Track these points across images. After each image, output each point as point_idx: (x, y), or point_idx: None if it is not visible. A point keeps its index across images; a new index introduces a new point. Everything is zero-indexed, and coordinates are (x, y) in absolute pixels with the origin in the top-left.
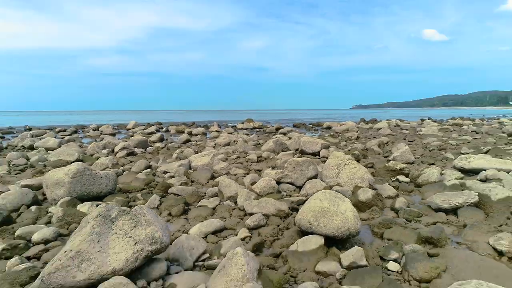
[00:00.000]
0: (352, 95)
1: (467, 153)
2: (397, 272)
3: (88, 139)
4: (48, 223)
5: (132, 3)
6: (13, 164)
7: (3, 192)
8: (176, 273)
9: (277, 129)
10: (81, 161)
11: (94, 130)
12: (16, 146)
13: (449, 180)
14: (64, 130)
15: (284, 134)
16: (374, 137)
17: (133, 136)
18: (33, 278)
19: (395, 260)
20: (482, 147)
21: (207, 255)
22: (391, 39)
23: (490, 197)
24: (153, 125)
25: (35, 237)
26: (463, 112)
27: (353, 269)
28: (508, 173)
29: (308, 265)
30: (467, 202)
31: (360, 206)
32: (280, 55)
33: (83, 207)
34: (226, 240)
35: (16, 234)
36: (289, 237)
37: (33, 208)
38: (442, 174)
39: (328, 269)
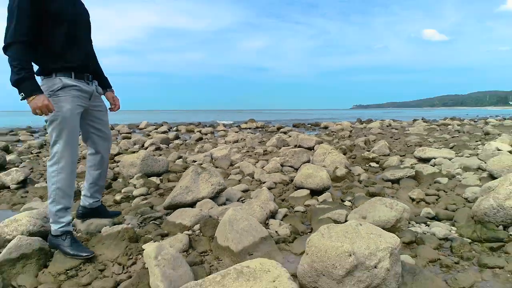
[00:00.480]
0: (352, 95)
1: (438, 148)
2: (349, 206)
3: None
4: (134, 187)
5: (132, 3)
6: None
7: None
8: (230, 203)
9: (278, 128)
10: (121, 153)
11: (111, 129)
12: None
13: (405, 165)
14: None
15: (285, 133)
16: (364, 136)
17: (150, 135)
18: (151, 207)
19: (349, 201)
20: (451, 144)
21: (243, 198)
22: (391, 39)
23: (422, 172)
24: (162, 125)
25: (135, 192)
26: (460, 112)
27: (323, 202)
28: (450, 159)
29: (300, 202)
30: (406, 175)
31: (337, 179)
32: (280, 55)
33: (151, 179)
34: (252, 191)
35: (122, 191)
36: (289, 192)
37: (120, 179)
38: (402, 161)
39: (311, 203)
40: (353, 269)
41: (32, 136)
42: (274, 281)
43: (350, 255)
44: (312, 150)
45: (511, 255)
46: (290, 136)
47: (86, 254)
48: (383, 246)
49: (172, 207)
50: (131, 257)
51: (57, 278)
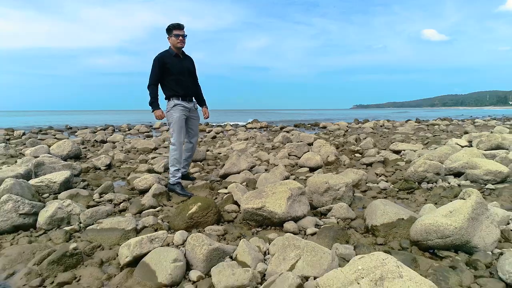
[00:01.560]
0: (352, 95)
1: (414, 143)
2: None
3: (129, 136)
4: None
5: (133, 3)
6: (120, 150)
7: (154, 158)
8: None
9: (281, 128)
10: (157, 148)
11: (129, 129)
12: (89, 141)
13: (380, 155)
14: (105, 129)
15: (287, 132)
16: (358, 134)
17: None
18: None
19: (334, 173)
20: (427, 140)
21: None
22: (391, 39)
23: (389, 159)
24: None
25: (191, 170)
26: (457, 112)
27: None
28: (414, 151)
29: (303, 174)
30: (377, 160)
31: (328, 163)
32: (280, 55)
33: (197, 163)
34: (271, 169)
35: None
36: (295, 170)
37: None
38: (379, 152)
39: (309, 175)
40: (327, 190)
41: (62, 133)
42: (294, 184)
43: (326, 183)
44: (311, 145)
45: (415, 194)
46: (292, 135)
47: (190, 194)
48: (343, 182)
49: (224, 176)
50: (213, 195)
51: (178, 204)
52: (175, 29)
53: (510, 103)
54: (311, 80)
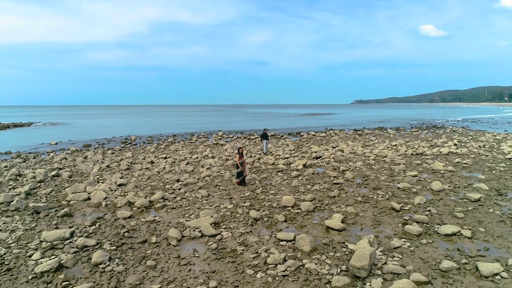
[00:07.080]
0: (353, 90)
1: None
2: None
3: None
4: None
5: None
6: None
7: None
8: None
9: (282, 136)
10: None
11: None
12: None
13: (316, 149)
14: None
15: (284, 138)
16: (316, 138)
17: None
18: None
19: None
20: (346, 141)
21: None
22: (391, 33)
23: (311, 149)
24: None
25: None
26: (452, 111)
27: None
28: (327, 150)
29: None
30: (308, 149)
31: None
32: (282, 49)
33: None
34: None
35: None
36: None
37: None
38: (319, 148)
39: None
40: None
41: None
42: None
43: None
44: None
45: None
46: (287, 139)
47: None
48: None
49: None
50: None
51: None
52: None
53: (506, 99)
54: (312, 75)
